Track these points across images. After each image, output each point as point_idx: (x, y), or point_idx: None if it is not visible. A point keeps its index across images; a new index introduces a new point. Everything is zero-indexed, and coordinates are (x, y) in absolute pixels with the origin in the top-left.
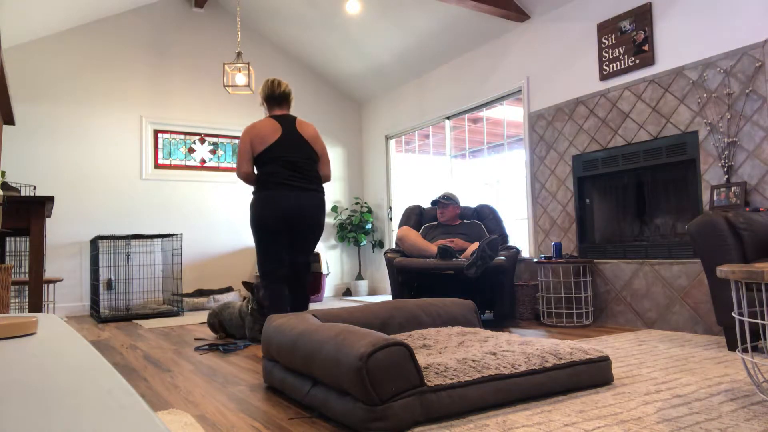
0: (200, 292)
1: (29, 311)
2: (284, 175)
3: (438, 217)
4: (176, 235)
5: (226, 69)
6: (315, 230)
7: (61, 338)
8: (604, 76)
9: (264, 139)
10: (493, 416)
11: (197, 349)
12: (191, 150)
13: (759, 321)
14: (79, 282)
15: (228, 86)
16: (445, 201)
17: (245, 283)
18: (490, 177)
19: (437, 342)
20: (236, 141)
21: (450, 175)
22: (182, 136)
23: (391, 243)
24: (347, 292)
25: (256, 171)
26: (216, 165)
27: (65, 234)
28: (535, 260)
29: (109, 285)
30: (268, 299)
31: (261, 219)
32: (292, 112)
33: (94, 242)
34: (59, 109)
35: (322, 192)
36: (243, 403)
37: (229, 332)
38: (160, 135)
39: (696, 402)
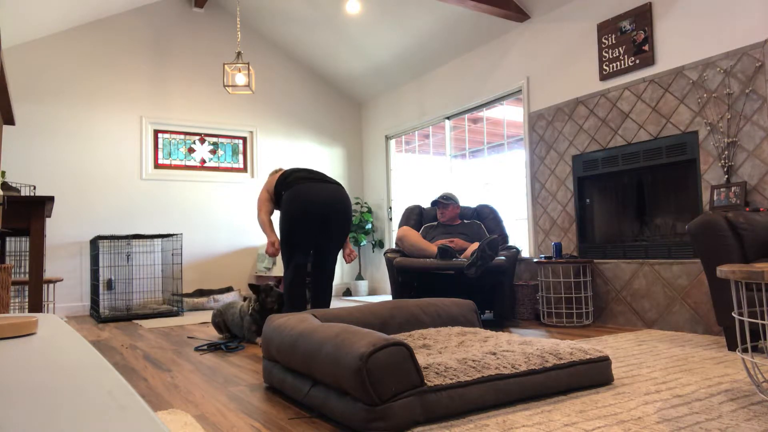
0: (200, 292)
1: (29, 311)
2: (305, 174)
3: (438, 217)
4: (176, 235)
5: (226, 69)
6: (343, 220)
7: (61, 338)
8: (604, 76)
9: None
10: (493, 416)
11: (197, 348)
12: (191, 150)
13: (759, 321)
14: (79, 282)
15: (228, 86)
16: (445, 201)
17: (251, 286)
18: (490, 177)
19: (437, 342)
20: (236, 141)
21: (450, 175)
22: (182, 136)
23: (391, 243)
24: (347, 292)
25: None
26: (216, 165)
27: (65, 234)
28: (535, 260)
29: (109, 285)
30: (287, 292)
31: (291, 209)
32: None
33: (94, 242)
34: (59, 109)
35: (343, 187)
36: (243, 403)
37: (232, 332)
38: (160, 135)
39: (696, 402)
